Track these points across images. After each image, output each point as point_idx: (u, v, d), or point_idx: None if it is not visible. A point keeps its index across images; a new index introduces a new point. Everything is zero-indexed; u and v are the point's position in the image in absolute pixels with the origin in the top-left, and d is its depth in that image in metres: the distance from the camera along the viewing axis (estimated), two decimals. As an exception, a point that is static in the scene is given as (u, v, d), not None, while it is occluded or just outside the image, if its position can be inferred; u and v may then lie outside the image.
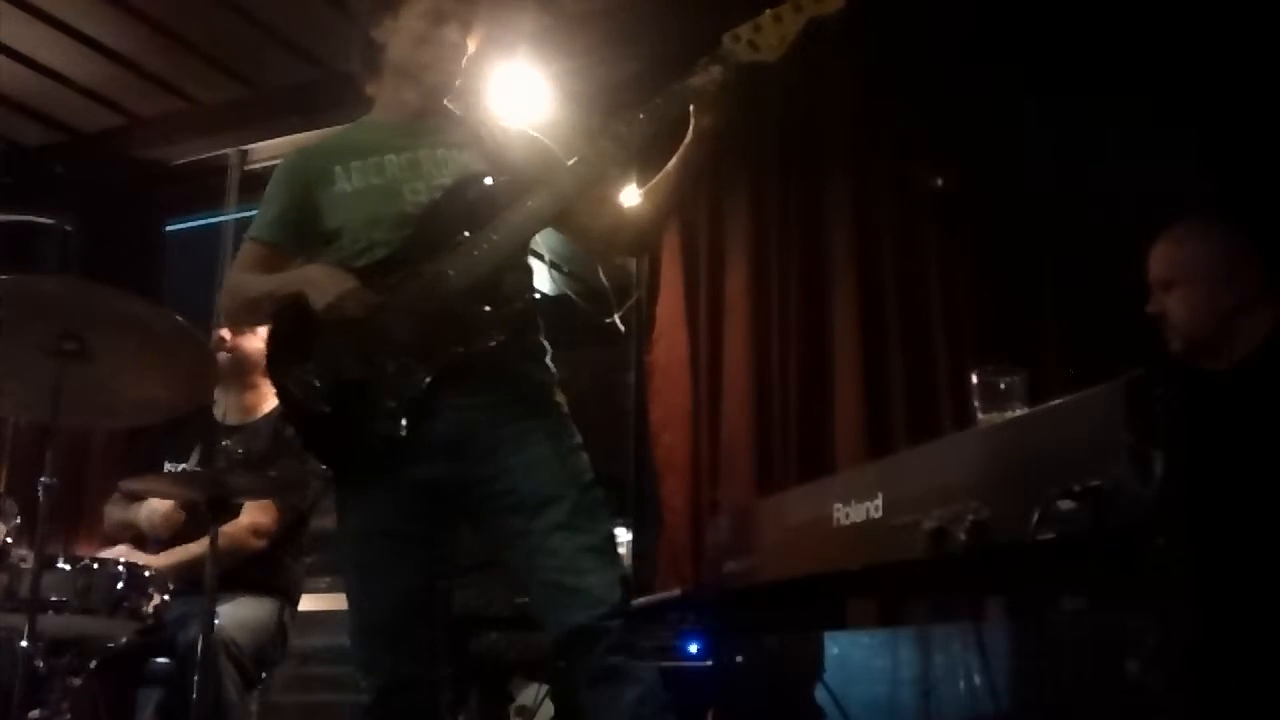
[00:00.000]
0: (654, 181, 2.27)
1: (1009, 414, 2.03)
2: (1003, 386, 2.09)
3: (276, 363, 2.26)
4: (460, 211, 2.18)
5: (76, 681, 2.75)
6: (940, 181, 3.56)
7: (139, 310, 2.51)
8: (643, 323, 4.09)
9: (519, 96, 3.88)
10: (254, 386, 3.47)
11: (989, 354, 2.77)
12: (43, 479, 2.42)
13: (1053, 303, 3.39)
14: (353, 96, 4.85)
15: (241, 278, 2.33)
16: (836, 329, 3.67)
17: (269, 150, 4.93)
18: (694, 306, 3.94)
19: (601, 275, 4.17)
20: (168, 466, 3.33)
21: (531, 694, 3.15)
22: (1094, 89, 3.27)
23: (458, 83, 2.34)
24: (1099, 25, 3.30)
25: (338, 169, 2.29)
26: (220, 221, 4.97)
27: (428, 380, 2.11)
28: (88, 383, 2.48)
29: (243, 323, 2.30)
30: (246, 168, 4.96)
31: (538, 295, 2.38)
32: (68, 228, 4.48)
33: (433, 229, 2.19)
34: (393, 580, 2.16)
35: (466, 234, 2.15)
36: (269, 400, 3.50)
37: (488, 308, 2.14)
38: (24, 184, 4.97)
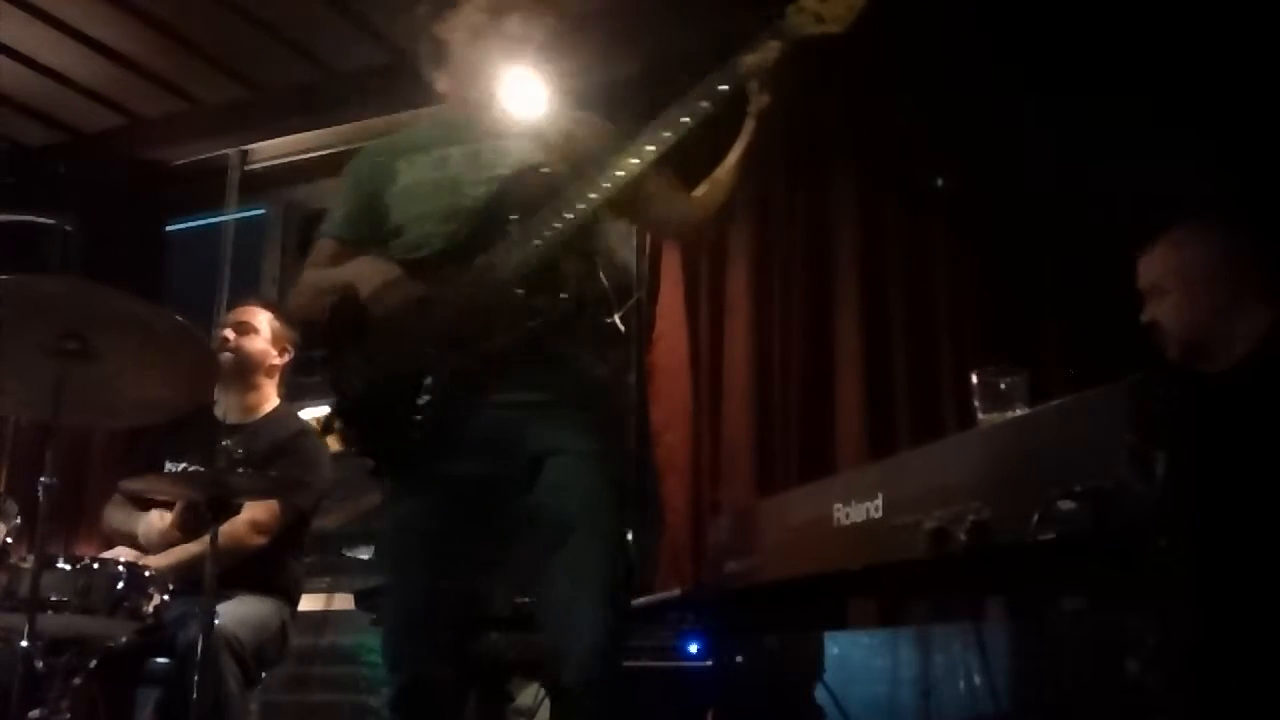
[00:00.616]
0: (719, 169, 2.25)
1: (1010, 414, 2.03)
2: (1003, 387, 2.09)
3: (328, 354, 2.27)
4: (516, 202, 2.17)
5: (76, 681, 2.75)
6: (942, 182, 3.56)
7: (140, 310, 2.52)
8: (643, 323, 4.09)
9: (517, 96, 3.87)
10: (256, 387, 3.48)
11: (990, 354, 2.77)
12: (43, 479, 2.42)
13: (1054, 303, 3.39)
14: (355, 97, 4.86)
15: (309, 273, 2.36)
16: (838, 329, 3.67)
17: (269, 150, 4.94)
18: (694, 307, 3.94)
19: (601, 275, 4.16)
20: (168, 466, 3.33)
21: (531, 694, 3.14)
22: (1096, 89, 3.27)
23: (521, 73, 2.33)
24: (1101, 25, 3.29)
25: (402, 164, 2.31)
26: (221, 222, 4.98)
27: (468, 373, 2.11)
28: (89, 382, 2.48)
29: (310, 318, 2.32)
30: (247, 168, 4.97)
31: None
32: (69, 228, 4.49)
33: (488, 220, 2.18)
34: (416, 577, 2.16)
35: (518, 223, 2.14)
36: (271, 400, 3.52)
37: (530, 298, 2.11)
38: (25, 184, 4.97)
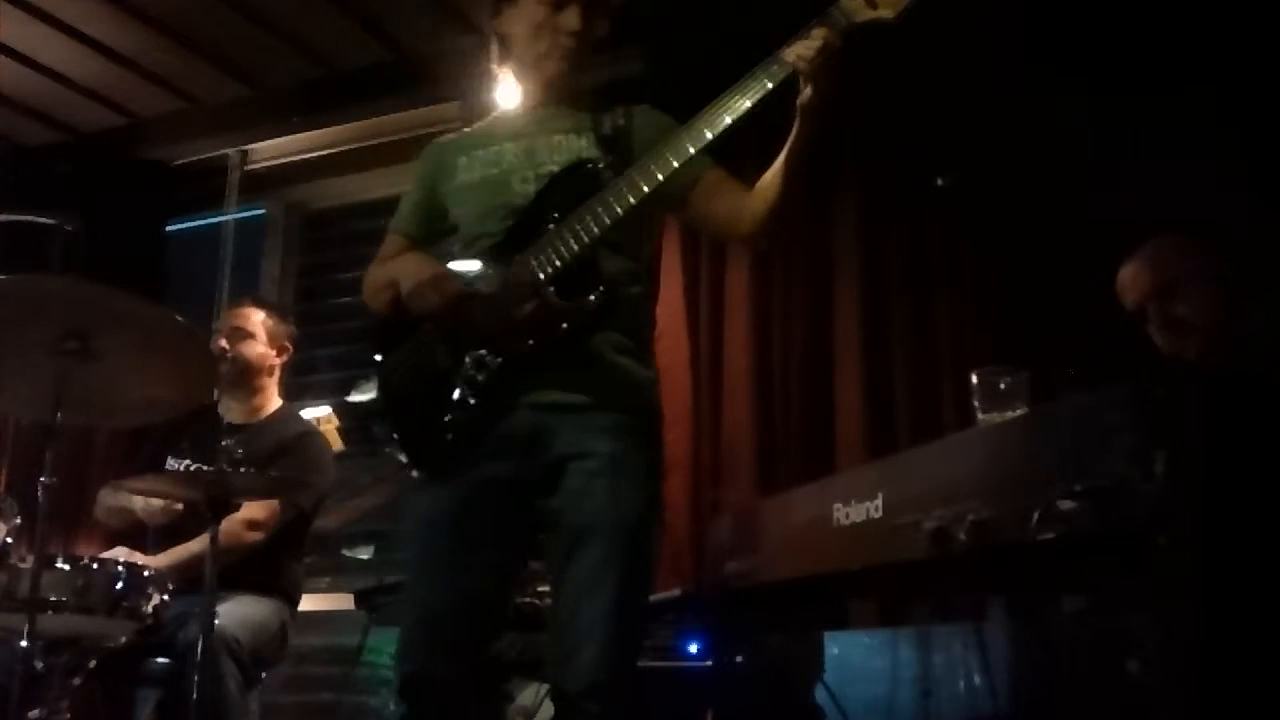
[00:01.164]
0: (770, 170, 2.16)
1: (1009, 414, 2.03)
2: (1003, 386, 2.09)
3: (376, 350, 2.28)
4: (561, 198, 2.14)
5: (76, 681, 2.75)
6: (942, 181, 3.55)
7: (140, 310, 2.52)
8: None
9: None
10: (259, 389, 3.48)
11: (990, 354, 2.77)
12: (43, 479, 2.42)
13: (1054, 303, 3.38)
14: (356, 96, 4.84)
15: (372, 268, 2.37)
16: (838, 328, 3.67)
17: (270, 150, 4.93)
18: (694, 306, 3.93)
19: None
20: (170, 463, 3.33)
21: (531, 694, 3.15)
22: (1097, 89, 3.27)
23: (579, 68, 2.30)
24: (1102, 25, 3.29)
25: (461, 161, 2.31)
26: (221, 221, 4.98)
27: (500, 373, 2.11)
28: (89, 382, 2.48)
29: (377, 312, 2.33)
30: (247, 168, 4.97)
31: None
32: (69, 228, 4.49)
33: (533, 218, 2.16)
34: (434, 573, 2.13)
35: (558, 220, 2.11)
36: (273, 401, 3.52)
37: (562, 298, 2.09)
38: (26, 184, 4.97)
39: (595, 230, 2.08)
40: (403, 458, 2.24)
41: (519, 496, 2.12)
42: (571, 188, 2.14)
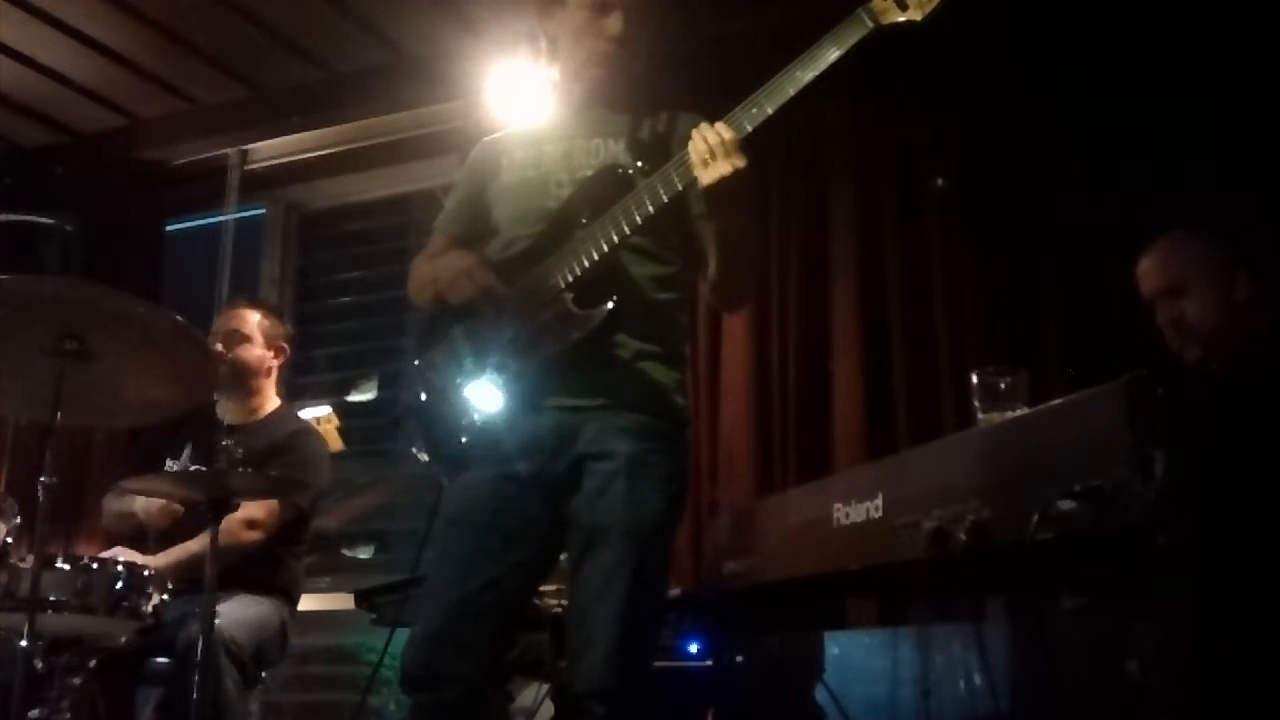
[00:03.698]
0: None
1: (1009, 414, 2.03)
2: (1003, 386, 2.09)
3: (419, 352, 2.30)
4: (591, 204, 2.14)
5: (76, 681, 2.75)
6: (941, 181, 3.55)
7: (139, 310, 2.52)
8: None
9: (519, 96, 3.87)
10: (256, 391, 3.48)
11: (990, 354, 2.77)
12: (43, 478, 2.42)
13: (1054, 303, 3.39)
14: (355, 97, 4.84)
15: (417, 262, 2.38)
16: (837, 329, 3.67)
17: (269, 150, 4.93)
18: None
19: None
20: (169, 464, 3.33)
21: (531, 694, 3.14)
22: (1096, 89, 3.27)
23: (621, 72, 2.30)
24: (1100, 25, 3.29)
25: (504, 162, 2.32)
26: (220, 221, 4.97)
27: (519, 378, 2.12)
28: (88, 382, 2.48)
29: (423, 307, 2.37)
30: (247, 168, 4.96)
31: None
32: (68, 228, 4.48)
33: (563, 223, 2.17)
34: (462, 572, 2.12)
35: (585, 226, 2.12)
36: (271, 401, 3.52)
37: (582, 302, 2.09)
38: (24, 184, 4.97)
39: (614, 238, 2.08)
40: (424, 457, 2.25)
41: (543, 496, 2.13)
42: (601, 193, 2.14)
